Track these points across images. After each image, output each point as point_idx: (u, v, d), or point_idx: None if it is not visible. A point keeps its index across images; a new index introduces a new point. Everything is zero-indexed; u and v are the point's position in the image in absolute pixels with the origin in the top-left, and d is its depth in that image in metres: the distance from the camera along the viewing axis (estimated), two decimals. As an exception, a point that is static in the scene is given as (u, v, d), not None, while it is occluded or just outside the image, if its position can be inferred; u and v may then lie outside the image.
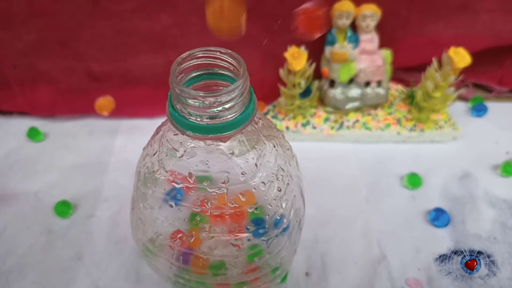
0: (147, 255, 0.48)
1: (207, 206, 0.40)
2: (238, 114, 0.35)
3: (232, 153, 0.38)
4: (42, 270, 0.56)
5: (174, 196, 0.41)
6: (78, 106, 0.76)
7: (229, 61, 0.36)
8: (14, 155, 0.71)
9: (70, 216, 0.62)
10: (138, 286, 0.55)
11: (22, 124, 0.75)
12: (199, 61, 0.36)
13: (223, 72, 0.37)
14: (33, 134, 0.73)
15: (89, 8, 0.67)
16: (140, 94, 0.76)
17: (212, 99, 0.33)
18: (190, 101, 0.33)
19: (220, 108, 0.33)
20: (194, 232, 0.43)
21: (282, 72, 0.69)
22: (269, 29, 0.71)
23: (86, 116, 0.77)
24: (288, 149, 0.45)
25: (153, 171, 0.41)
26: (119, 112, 0.76)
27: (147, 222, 0.44)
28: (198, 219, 0.42)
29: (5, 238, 0.59)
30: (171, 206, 0.41)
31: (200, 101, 0.33)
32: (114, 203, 0.63)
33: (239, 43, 0.72)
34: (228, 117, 0.34)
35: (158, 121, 0.43)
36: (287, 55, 0.66)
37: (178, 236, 0.44)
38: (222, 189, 0.39)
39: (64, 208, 0.62)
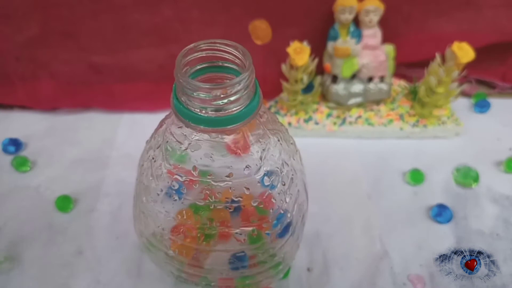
0: (150, 249, 0.48)
1: (211, 200, 0.40)
2: (243, 107, 0.35)
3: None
4: (43, 265, 0.56)
5: (177, 189, 0.40)
6: (80, 99, 0.76)
7: (235, 53, 0.36)
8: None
9: (71, 211, 0.62)
10: (139, 281, 0.55)
11: (22, 119, 0.74)
12: (204, 54, 0.36)
13: (228, 65, 0.37)
14: (19, 164, 0.69)
15: (91, 1, 0.67)
16: (142, 88, 0.76)
17: (217, 91, 0.33)
18: (196, 93, 0.33)
19: (225, 101, 0.33)
20: (197, 226, 0.43)
21: (284, 68, 0.69)
22: (271, 24, 0.71)
23: (87, 110, 0.77)
24: (291, 143, 0.45)
25: (157, 165, 0.41)
26: (120, 106, 0.76)
27: (149, 215, 0.44)
28: (202, 213, 0.42)
29: (6, 232, 0.59)
30: (175, 200, 0.41)
31: (206, 93, 0.33)
32: (115, 198, 0.63)
33: (241, 37, 0.72)
34: (233, 109, 0.34)
35: (159, 115, 0.43)
36: (289, 50, 0.66)
37: (181, 230, 0.44)
38: (226, 182, 0.39)
39: (65, 203, 0.61)
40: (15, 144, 0.70)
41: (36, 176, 0.66)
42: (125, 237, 0.58)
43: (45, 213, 0.61)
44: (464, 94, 0.78)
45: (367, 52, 0.70)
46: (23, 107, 0.76)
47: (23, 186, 0.65)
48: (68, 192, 0.63)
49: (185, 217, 0.42)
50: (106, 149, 0.70)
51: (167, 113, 0.42)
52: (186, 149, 0.38)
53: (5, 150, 0.70)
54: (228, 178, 0.39)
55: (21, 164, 0.68)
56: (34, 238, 0.59)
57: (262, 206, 0.41)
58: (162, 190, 0.42)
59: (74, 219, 0.61)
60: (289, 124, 0.72)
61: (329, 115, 0.74)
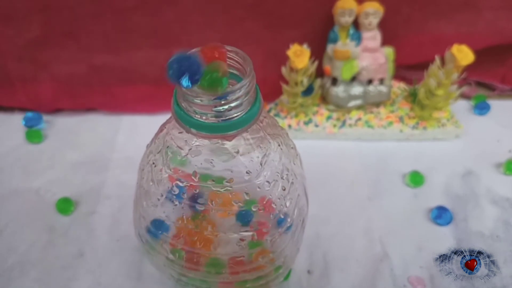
0: (150, 252, 0.48)
1: (211, 205, 0.40)
2: (243, 113, 0.35)
3: (237, 152, 0.38)
4: (43, 268, 0.56)
5: (178, 194, 0.40)
6: (80, 101, 0.76)
7: (235, 59, 0.36)
8: (16, 152, 0.71)
9: (71, 213, 0.62)
10: (140, 283, 0.55)
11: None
12: None
13: (229, 70, 0.37)
14: (32, 135, 0.72)
15: (92, 3, 0.67)
16: (142, 90, 0.76)
17: (218, 98, 0.33)
18: (196, 99, 0.33)
19: (226, 107, 0.33)
20: (197, 231, 0.43)
21: (284, 70, 0.69)
22: (271, 26, 0.71)
23: (87, 112, 0.77)
24: (292, 147, 0.45)
25: (157, 169, 0.41)
26: (120, 108, 0.76)
27: (150, 220, 0.44)
28: (201, 217, 0.42)
29: (7, 235, 0.59)
30: (175, 205, 0.41)
31: (206, 100, 0.33)
32: (115, 200, 0.63)
33: (241, 40, 0.72)
34: (233, 115, 0.34)
35: (160, 118, 0.43)
36: (289, 53, 0.66)
37: (181, 234, 0.44)
38: (227, 188, 0.39)
39: (65, 205, 0.62)
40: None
41: (37, 179, 0.66)
42: (125, 239, 0.59)
43: (46, 216, 0.61)
44: (463, 96, 0.78)
45: (367, 54, 0.71)
46: (24, 109, 0.76)
47: (24, 188, 0.65)
48: (69, 195, 0.63)
49: (185, 222, 0.42)
50: (107, 151, 0.70)
51: (167, 115, 0.42)
52: (187, 154, 0.38)
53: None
54: (228, 183, 0.39)
55: (34, 136, 0.71)
56: (35, 240, 0.59)
57: (262, 211, 0.41)
58: (162, 195, 0.42)
59: (74, 222, 0.61)
60: (289, 126, 0.73)
61: (329, 118, 0.74)
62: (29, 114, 0.74)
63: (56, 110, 0.77)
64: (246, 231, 0.42)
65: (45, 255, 0.57)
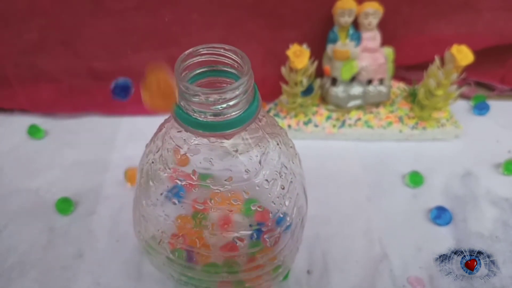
0: (150, 252, 0.48)
1: (210, 204, 0.40)
2: (242, 112, 0.35)
3: (236, 151, 0.38)
4: (43, 268, 0.56)
5: (177, 193, 0.40)
6: (80, 104, 0.76)
7: (233, 58, 0.36)
8: (15, 152, 0.71)
9: (71, 214, 0.62)
10: (140, 283, 0.55)
11: (22, 121, 0.74)
12: (203, 58, 0.36)
13: (227, 69, 0.37)
14: (33, 131, 0.72)
15: (90, 6, 0.67)
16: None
17: (216, 96, 0.33)
18: (195, 98, 0.33)
19: (224, 105, 0.33)
20: (196, 230, 0.43)
21: (284, 70, 0.69)
22: (271, 27, 0.71)
23: (87, 113, 0.77)
24: (291, 147, 0.45)
25: (156, 168, 0.41)
26: (120, 109, 0.76)
27: (149, 219, 0.44)
28: (201, 216, 0.42)
29: (7, 235, 0.59)
30: (174, 204, 0.41)
31: (205, 98, 0.33)
32: (115, 201, 0.63)
33: (241, 40, 0.72)
34: (232, 114, 0.34)
35: (159, 119, 0.43)
36: (289, 53, 0.66)
37: (180, 233, 0.44)
38: (226, 186, 0.39)
39: (65, 205, 0.62)
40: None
41: (37, 179, 0.66)
42: (125, 239, 0.59)
43: (46, 216, 0.61)
44: (463, 96, 0.78)
45: (367, 54, 0.71)
46: (23, 111, 0.76)
47: (24, 188, 0.65)
48: (69, 195, 0.63)
49: (185, 221, 0.42)
50: (106, 152, 0.70)
51: (166, 116, 0.42)
52: (185, 153, 0.38)
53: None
54: (227, 182, 0.39)
55: (35, 132, 0.72)
56: (35, 240, 0.59)
57: (261, 210, 0.41)
58: (161, 194, 0.42)
59: (74, 222, 0.61)
60: (289, 126, 0.73)
61: (328, 118, 0.74)
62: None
63: (56, 112, 0.77)
64: (246, 230, 0.42)
65: (45, 255, 0.57)
